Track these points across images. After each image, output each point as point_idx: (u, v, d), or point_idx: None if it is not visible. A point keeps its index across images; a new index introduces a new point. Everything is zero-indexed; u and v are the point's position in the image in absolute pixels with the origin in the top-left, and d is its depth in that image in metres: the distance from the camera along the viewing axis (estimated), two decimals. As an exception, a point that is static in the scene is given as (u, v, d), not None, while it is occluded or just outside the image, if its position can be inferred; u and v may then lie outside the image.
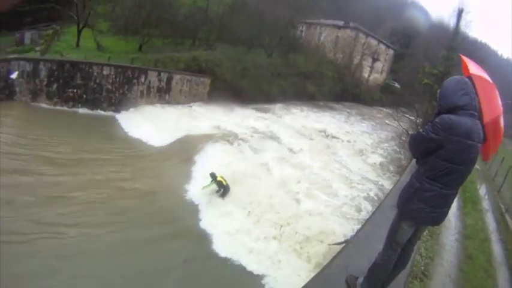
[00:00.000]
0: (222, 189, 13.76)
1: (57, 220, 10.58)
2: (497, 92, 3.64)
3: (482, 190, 15.92)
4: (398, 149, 28.72)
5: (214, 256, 10.59)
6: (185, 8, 36.12)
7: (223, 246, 10.91)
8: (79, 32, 28.10)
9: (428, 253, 6.85)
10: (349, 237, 7.89)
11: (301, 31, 53.21)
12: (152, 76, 25.86)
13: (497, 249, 9.06)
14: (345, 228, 12.43)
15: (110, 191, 13.24)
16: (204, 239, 11.32)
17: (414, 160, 3.89)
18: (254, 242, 11.31)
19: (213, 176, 13.77)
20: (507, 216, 12.79)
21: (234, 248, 10.88)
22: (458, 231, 8.96)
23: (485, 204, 13.71)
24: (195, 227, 11.84)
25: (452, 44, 27.19)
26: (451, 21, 32.07)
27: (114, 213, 11.74)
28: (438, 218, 3.55)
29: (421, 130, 3.55)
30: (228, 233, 11.62)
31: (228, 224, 12.03)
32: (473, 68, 3.70)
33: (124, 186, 13.96)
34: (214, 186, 13.72)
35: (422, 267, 6.21)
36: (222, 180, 13.77)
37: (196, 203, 13.51)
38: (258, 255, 10.70)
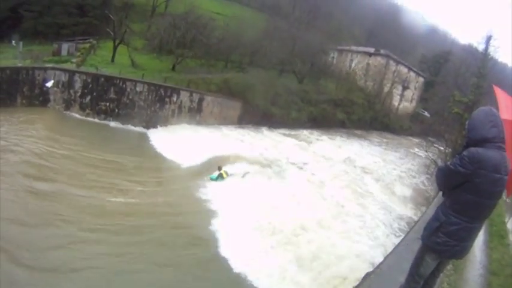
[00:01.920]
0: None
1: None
2: None
3: (510, 224, 15.47)
4: (425, 181, 27.97)
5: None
6: (219, 31, 36.36)
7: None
8: (115, 47, 28.80)
9: None
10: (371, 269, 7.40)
11: (333, 57, 53.13)
12: (184, 96, 26.05)
13: None
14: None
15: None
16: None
17: (441, 193, 3.81)
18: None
19: (219, 168, 17.18)
20: None
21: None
22: (483, 265, 8.44)
23: None
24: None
25: (482, 71, 26.95)
26: (479, 47, 31.46)
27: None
28: (462, 251, 3.52)
29: (448, 163, 3.48)
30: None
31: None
32: (504, 110, 3.74)
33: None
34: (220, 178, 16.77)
35: None
36: (223, 173, 17.05)
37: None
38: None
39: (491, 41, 27.05)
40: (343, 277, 11.15)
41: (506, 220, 14.84)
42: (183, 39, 31.98)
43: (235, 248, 11.73)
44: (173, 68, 30.87)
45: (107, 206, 12.66)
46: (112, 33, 28.64)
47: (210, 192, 15.74)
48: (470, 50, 56.11)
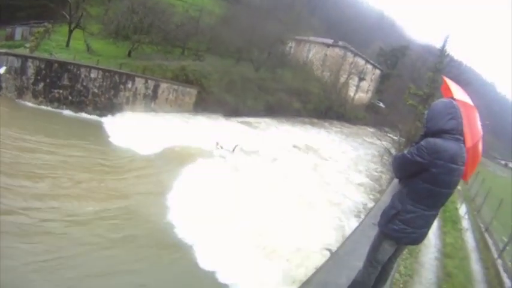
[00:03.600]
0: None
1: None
2: (477, 116, 3.74)
3: (462, 210, 16.20)
4: (379, 168, 29.06)
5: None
6: (177, 16, 36.11)
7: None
8: (70, 32, 28.17)
9: (407, 271, 6.90)
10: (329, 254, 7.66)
11: (291, 47, 53.66)
12: (139, 83, 25.76)
13: (476, 267, 9.32)
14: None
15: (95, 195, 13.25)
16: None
17: (395, 180, 3.97)
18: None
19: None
20: (486, 236, 13.02)
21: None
22: (438, 249, 9.10)
23: (465, 223, 14.06)
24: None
25: (438, 66, 27.77)
26: (437, 44, 32.57)
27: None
28: (419, 237, 3.60)
29: (405, 152, 3.54)
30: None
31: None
32: (456, 92, 3.82)
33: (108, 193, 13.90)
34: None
35: (401, 285, 6.28)
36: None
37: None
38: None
39: (448, 39, 28.22)
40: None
41: (458, 206, 16.18)
42: (140, 24, 31.71)
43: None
44: (129, 54, 30.57)
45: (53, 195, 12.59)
46: (68, 16, 27.85)
47: (164, 184, 15.62)
48: (427, 46, 58.05)
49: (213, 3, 48.40)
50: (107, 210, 12.57)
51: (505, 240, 11.72)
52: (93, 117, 22.91)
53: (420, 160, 3.25)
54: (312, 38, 54.86)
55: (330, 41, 55.30)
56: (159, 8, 33.50)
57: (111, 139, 20.05)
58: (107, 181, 14.85)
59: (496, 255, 10.70)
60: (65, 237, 10.52)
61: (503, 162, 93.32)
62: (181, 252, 11.15)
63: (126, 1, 32.78)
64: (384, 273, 3.96)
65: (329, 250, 8.39)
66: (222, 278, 10.18)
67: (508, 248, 10.95)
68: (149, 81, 26.55)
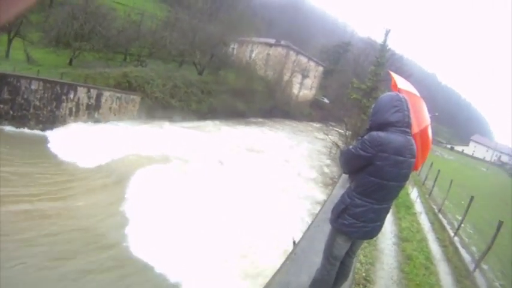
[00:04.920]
0: None
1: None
2: (424, 105, 3.86)
3: (413, 194, 16.85)
4: (328, 162, 30.23)
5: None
6: (119, 21, 35.65)
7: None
8: (9, 41, 27.33)
9: (367, 259, 7.11)
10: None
11: (233, 48, 54.18)
12: (81, 92, 25.10)
13: (434, 247, 9.82)
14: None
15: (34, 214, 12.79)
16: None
17: (345, 174, 3.95)
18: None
19: None
20: (440, 216, 14.06)
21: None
22: (395, 235, 9.55)
23: (418, 207, 14.66)
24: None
25: (380, 60, 28.86)
26: (378, 39, 34.03)
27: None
28: (372, 231, 3.60)
29: (350, 147, 3.57)
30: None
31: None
32: (402, 83, 3.94)
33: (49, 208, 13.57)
34: None
35: (364, 274, 6.44)
36: None
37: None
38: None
39: (389, 33, 29.59)
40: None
41: (409, 191, 16.66)
42: (81, 30, 30.97)
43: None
44: (70, 63, 30.03)
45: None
46: (7, 24, 26.54)
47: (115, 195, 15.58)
48: (369, 41, 60.21)
49: (155, 6, 48.33)
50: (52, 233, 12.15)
51: (459, 218, 12.68)
52: (36, 132, 22.11)
53: (363, 154, 3.29)
54: (254, 39, 55.45)
55: (273, 41, 56.79)
56: (100, 13, 32.91)
57: (55, 154, 19.54)
58: (54, 199, 14.63)
59: (452, 234, 11.60)
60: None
61: (449, 146, 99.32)
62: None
63: (67, 6, 31.93)
64: (344, 268, 3.99)
65: (294, 240, 8.25)
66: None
67: (462, 225, 11.92)
68: (91, 90, 25.97)
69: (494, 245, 8.81)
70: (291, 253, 6.30)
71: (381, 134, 3.25)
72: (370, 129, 3.42)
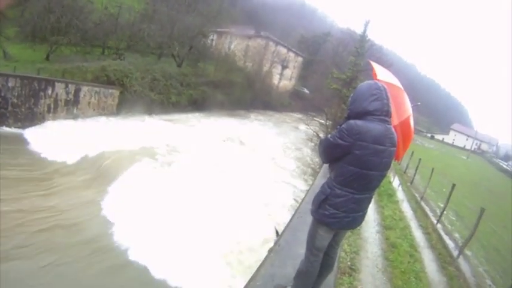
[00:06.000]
0: None
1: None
2: (405, 95, 3.79)
3: (395, 183, 16.94)
4: (310, 152, 30.03)
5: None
6: (96, 14, 35.24)
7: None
8: None
9: (352, 248, 7.09)
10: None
11: (212, 40, 54.10)
12: (59, 88, 24.76)
13: (418, 234, 9.85)
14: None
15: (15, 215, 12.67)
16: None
17: (326, 164, 3.83)
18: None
19: None
20: (423, 204, 14.20)
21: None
22: (378, 223, 9.51)
23: (400, 195, 14.70)
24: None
25: (359, 51, 29.29)
26: (358, 30, 34.38)
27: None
28: (354, 222, 3.54)
29: (329, 136, 3.47)
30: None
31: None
32: (381, 74, 3.85)
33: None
34: None
35: (349, 262, 6.43)
36: None
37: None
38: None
39: (369, 24, 29.89)
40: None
41: (391, 180, 16.84)
42: (58, 24, 30.46)
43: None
44: (47, 58, 29.54)
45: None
46: None
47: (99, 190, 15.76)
48: (348, 32, 60.58)
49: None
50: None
51: (441, 206, 12.74)
52: (15, 130, 21.86)
53: (341, 142, 3.22)
54: (233, 30, 55.70)
55: (252, 32, 56.74)
56: (77, 6, 32.47)
57: (35, 151, 19.47)
58: (35, 197, 14.58)
59: (435, 221, 11.70)
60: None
61: (429, 135, 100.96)
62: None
63: (42, 0, 31.32)
64: (328, 259, 3.92)
65: (276, 231, 8.37)
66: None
67: (445, 212, 11.99)
68: (69, 85, 25.63)
69: (476, 232, 8.91)
70: (274, 245, 6.26)
71: (359, 122, 3.18)
72: (349, 118, 3.35)
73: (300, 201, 12.48)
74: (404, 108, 3.71)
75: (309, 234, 3.77)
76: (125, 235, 12.34)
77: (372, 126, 3.15)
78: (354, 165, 3.22)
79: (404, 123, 3.69)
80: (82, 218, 13.51)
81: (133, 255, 11.45)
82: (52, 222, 12.82)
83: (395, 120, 3.50)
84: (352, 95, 3.45)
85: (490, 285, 8.13)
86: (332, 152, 3.38)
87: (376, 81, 3.44)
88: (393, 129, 3.33)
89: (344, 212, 3.37)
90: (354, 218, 3.47)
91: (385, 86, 3.35)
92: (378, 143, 3.16)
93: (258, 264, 5.42)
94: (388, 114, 3.27)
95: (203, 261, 11.13)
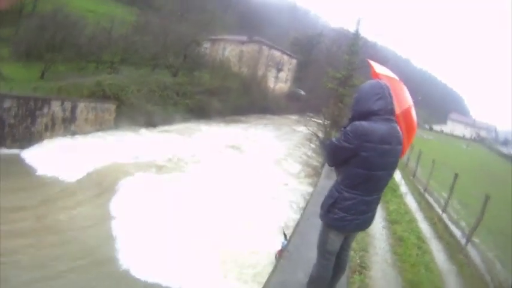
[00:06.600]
0: None
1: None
2: (404, 87, 3.79)
3: (397, 177, 17.00)
4: (310, 153, 30.30)
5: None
6: (89, 28, 35.13)
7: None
8: None
9: (360, 246, 7.08)
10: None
11: (206, 48, 53.83)
12: (56, 106, 24.52)
13: (424, 226, 9.98)
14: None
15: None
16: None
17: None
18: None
19: None
20: (427, 195, 14.27)
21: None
22: (384, 218, 9.55)
23: (403, 189, 14.84)
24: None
25: (353, 49, 29.31)
26: (351, 29, 34.46)
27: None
28: (364, 223, 3.57)
29: (333, 139, 3.49)
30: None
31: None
32: (380, 69, 3.89)
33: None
34: None
35: (359, 261, 6.44)
36: None
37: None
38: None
39: (361, 22, 30.24)
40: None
41: (394, 175, 17.12)
42: (52, 41, 30.43)
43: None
44: (42, 76, 29.43)
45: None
46: None
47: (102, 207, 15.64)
48: (341, 31, 60.66)
49: (124, 10, 47.35)
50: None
51: (445, 196, 12.74)
52: (13, 150, 21.53)
53: (347, 145, 3.22)
54: (226, 37, 56.02)
55: (245, 38, 56.92)
56: (70, 22, 32.46)
57: (35, 171, 19.26)
58: (40, 217, 14.49)
59: (440, 211, 11.75)
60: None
61: (427, 126, 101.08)
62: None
63: (35, 18, 31.53)
64: (340, 262, 3.94)
65: (285, 234, 8.30)
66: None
67: (449, 201, 11.99)
68: (66, 102, 25.37)
69: (483, 218, 8.82)
70: (283, 251, 6.32)
71: (364, 123, 3.18)
72: (353, 119, 3.36)
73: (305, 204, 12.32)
74: (404, 99, 3.71)
75: (319, 239, 3.81)
76: (131, 253, 12.04)
77: (377, 126, 3.17)
78: (361, 167, 3.25)
79: (406, 114, 3.69)
80: (88, 237, 13.38)
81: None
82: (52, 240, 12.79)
83: (397, 109, 3.46)
84: (355, 95, 3.49)
85: (500, 270, 8.03)
86: (338, 155, 3.42)
87: (378, 81, 3.47)
88: (398, 128, 3.35)
89: (353, 215, 3.40)
90: (363, 220, 3.52)
91: (387, 84, 3.38)
92: (385, 143, 3.18)
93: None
94: (392, 112, 3.30)
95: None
